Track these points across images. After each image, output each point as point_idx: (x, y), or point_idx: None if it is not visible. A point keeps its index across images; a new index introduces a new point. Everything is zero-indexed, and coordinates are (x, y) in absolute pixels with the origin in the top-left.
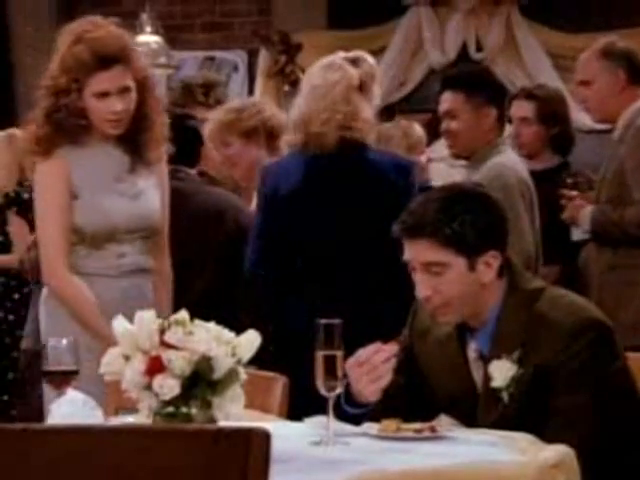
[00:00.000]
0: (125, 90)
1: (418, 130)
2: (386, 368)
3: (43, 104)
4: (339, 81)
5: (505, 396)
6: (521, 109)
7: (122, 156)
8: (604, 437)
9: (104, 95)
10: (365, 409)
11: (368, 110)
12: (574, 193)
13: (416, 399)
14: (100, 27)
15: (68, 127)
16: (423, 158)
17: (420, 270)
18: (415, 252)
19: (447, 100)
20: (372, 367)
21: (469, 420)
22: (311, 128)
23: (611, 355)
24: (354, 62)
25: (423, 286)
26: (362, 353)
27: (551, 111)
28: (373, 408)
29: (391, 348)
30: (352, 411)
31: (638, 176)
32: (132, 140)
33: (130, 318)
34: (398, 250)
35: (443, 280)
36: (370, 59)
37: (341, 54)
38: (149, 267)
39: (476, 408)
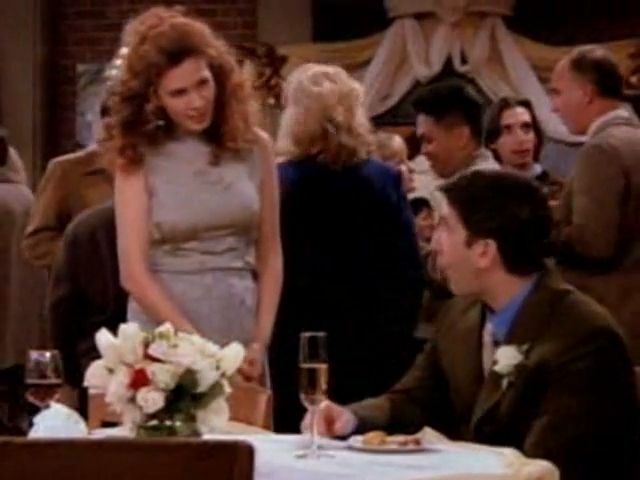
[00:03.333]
0: (202, 83)
1: (396, 142)
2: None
3: (118, 112)
4: (321, 95)
5: (504, 383)
6: (523, 115)
7: (204, 148)
8: (592, 446)
9: (181, 92)
10: None
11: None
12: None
13: (434, 396)
14: (164, 20)
15: (147, 132)
16: (403, 167)
17: (441, 223)
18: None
19: (420, 124)
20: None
21: (470, 404)
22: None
23: (616, 367)
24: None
25: (434, 239)
26: (330, 413)
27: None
28: (394, 397)
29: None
30: None
31: (578, 201)
32: (213, 131)
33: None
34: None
35: (446, 241)
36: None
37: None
38: (241, 265)
39: (477, 395)
